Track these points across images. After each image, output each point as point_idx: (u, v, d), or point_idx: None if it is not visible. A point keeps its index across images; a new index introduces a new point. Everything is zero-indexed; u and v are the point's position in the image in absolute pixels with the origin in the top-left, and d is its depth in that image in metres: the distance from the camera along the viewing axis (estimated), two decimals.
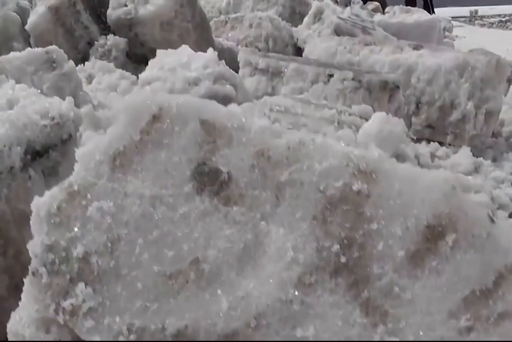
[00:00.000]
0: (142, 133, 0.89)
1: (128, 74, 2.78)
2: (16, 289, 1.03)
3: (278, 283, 0.80)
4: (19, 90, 1.47)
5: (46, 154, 1.29)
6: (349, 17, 3.84)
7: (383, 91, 2.07)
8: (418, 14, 4.36)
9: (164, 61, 1.95)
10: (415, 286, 0.78)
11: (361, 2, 12.73)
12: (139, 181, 0.88)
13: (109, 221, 0.88)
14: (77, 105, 2.28)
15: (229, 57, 3.61)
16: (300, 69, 2.18)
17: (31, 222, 0.93)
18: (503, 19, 13.30)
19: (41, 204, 0.92)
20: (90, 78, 2.75)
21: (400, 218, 0.77)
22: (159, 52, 2.04)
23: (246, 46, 4.02)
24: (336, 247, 0.79)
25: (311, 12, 4.21)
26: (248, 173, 0.84)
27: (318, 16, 4.13)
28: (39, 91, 1.49)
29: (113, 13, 2.96)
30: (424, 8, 15.35)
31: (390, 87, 2.08)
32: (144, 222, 0.87)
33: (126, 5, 2.96)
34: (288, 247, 0.81)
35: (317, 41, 2.85)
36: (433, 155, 2.38)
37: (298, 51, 4.26)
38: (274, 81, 2.28)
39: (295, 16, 4.65)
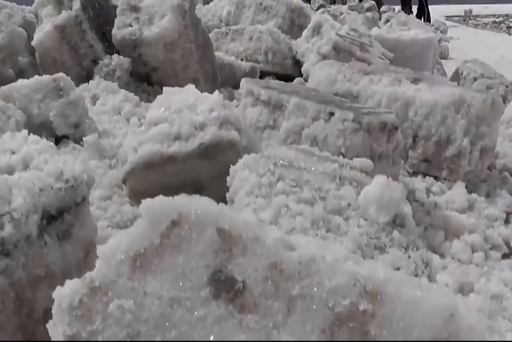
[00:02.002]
0: (162, 237, 0.95)
1: (131, 95, 2.84)
2: None
3: None
4: (32, 143, 1.52)
5: (61, 217, 1.34)
6: (347, 33, 3.88)
7: (382, 132, 2.13)
8: (414, 31, 4.40)
9: (171, 100, 2.00)
10: None
11: (357, 0, 12.73)
12: (158, 282, 0.94)
13: (129, 317, 0.94)
14: (83, 132, 2.35)
15: (229, 72, 3.67)
16: (301, 105, 2.23)
17: (53, 311, 0.99)
18: (497, 20, 13.38)
19: (63, 295, 0.97)
20: (94, 98, 2.81)
21: (401, 338, 0.84)
22: (165, 90, 2.09)
23: (247, 58, 4.06)
24: None
25: (310, 25, 4.27)
26: (262, 283, 0.90)
27: (317, 30, 4.18)
28: (51, 144, 1.52)
29: (118, 33, 3.00)
30: (419, 7, 15.39)
31: (389, 128, 2.14)
32: (163, 321, 0.93)
33: (131, 25, 3.00)
34: None
35: (317, 67, 2.89)
36: (428, 191, 2.45)
37: (297, 64, 4.32)
38: (276, 114, 2.33)
39: (294, 28, 4.71)
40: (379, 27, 6.96)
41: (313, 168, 1.65)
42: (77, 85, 3.02)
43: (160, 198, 0.96)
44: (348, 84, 2.73)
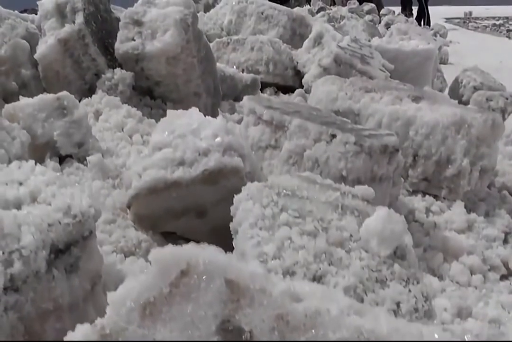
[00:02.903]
0: (171, 286, 0.97)
1: (134, 110, 2.86)
2: None
3: None
4: (39, 174, 1.54)
5: (68, 251, 1.36)
6: (348, 44, 3.91)
7: (383, 154, 2.16)
8: (415, 41, 4.43)
9: (175, 124, 2.02)
10: None
11: (357, 3, 12.78)
12: (168, 330, 0.96)
13: None
14: (86, 151, 2.37)
15: (230, 84, 3.70)
16: (303, 126, 2.25)
17: None
18: (497, 23, 13.40)
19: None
20: (97, 114, 2.83)
21: None
22: (169, 113, 2.12)
23: (248, 69, 4.09)
24: None
25: (311, 36, 4.29)
26: (269, 333, 0.93)
27: (318, 40, 4.21)
28: (57, 174, 1.54)
29: (120, 47, 3.02)
30: (419, 9, 15.43)
31: (390, 150, 2.16)
32: None
33: (133, 39, 3.01)
34: None
35: (319, 83, 2.92)
36: (428, 210, 2.47)
37: (298, 74, 4.35)
38: (278, 134, 2.35)
39: (295, 37, 4.75)
40: (380, 34, 6.99)
41: (315, 197, 1.68)
42: (80, 99, 3.05)
43: (170, 248, 0.99)
44: (349, 102, 2.75)
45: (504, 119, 4.00)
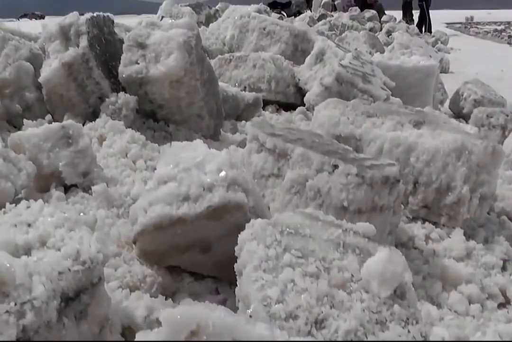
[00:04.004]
0: None
1: (137, 135, 2.90)
2: None
3: None
4: (48, 215, 1.58)
5: (78, 298, 1.40)
6: (350, 62, 3.94)
7: (384, 185, 2.19)
8: (416, 57, 4.47)
9: (179, 157, 2.05)
10: None
11: (358, 10, 12.84)
12: None
13: None
14: (91, 181, 2.41)
15: (233, 104, 3.73)
16: (306, 155, 2.28)
17: None
18: (498, 28, 13.42)
19: None
20: (101, 139, 2.87)
21: None
22: (174, 145, 2.15)
23: (250, 86, 4.13)
24: None
25: (313, 52, 4.33)
26: None
27: (320, 57, 4.25)
28: (65, 215, 1.57)
29: (124, 70, 3.05)
30: (420, 15, 15.48)
31: (391, 181, 2.20)
32: None
33: (137, 63, 3.04)
34: None
35: (321, 107, 2.96)
36: (427, 237, 2.51)
37: (299, 91, 4.38)
38: (280, 163, 2.38)
39: (297, 53, 4.79)
40: (381, 44, 7.03)
41: (318, 235, 1.72)
42: (84, 122, 3.09)
43: (181, 309, 1.03)
44: (351, 127, 2.79)
45: (504, 136, 4.05)
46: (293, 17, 14.02)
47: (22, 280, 1.29)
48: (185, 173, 1.98)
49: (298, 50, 4.82)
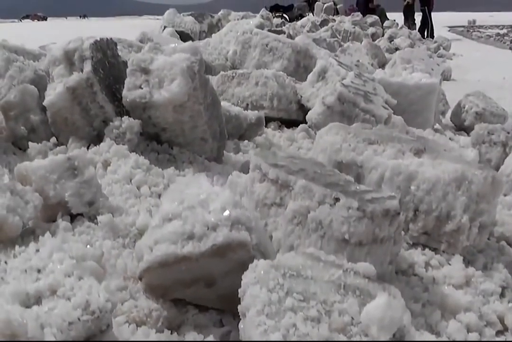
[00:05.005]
0: None
1: (141, 159, 2.94)
2: None
3: None
4: (57, 261, 1.62)
5: None
6: (352, 81, 3.98)
7: (384, 218, 2.23)
8: (418, 74, 4.50)
9: (184, 194, 2.10)
10: None
11: (360, 15, 12.88)
12: None
13: None
14: (97, 210, 2.45)
15: (236, 124, 3.77)
16: (308, 187, 2.32)
17: None
18: (501, 32, 13.44)
19: None
20: (105, 164, 2.91)
21: None
22: (178, 180, 2.20)
23: (252, 104, 4.16)
24: None
25: (315, 70, 4.37)
26: None
27: (322, 75, 4.29)
28: (74, 261, 1.62)
29: (128, 95, 3.09)
30: (423, 19, 15.51)
31: (391, 214, 2.24)
32: None
33: (141, 87, 3.08)
34: None
35: (323, 132, 3.00)
36: (427, 264, 2.55)
37: (301, 107, 4.42)
38: (283, 193, 2.42)
39: (299, 69, 4.83)
40: (383, 54, 7.06)
41: (319, 276, 1.76)
42: (88, 145, 3.14)
43: None
44: (352, 154, 2.83)
45: (506, 153, 4.08)
46: (295, 20, 14.07)
47: (33, 332, 1.33)
48: (190, 211, 2.02)
49: (300, 66, 4.86)
